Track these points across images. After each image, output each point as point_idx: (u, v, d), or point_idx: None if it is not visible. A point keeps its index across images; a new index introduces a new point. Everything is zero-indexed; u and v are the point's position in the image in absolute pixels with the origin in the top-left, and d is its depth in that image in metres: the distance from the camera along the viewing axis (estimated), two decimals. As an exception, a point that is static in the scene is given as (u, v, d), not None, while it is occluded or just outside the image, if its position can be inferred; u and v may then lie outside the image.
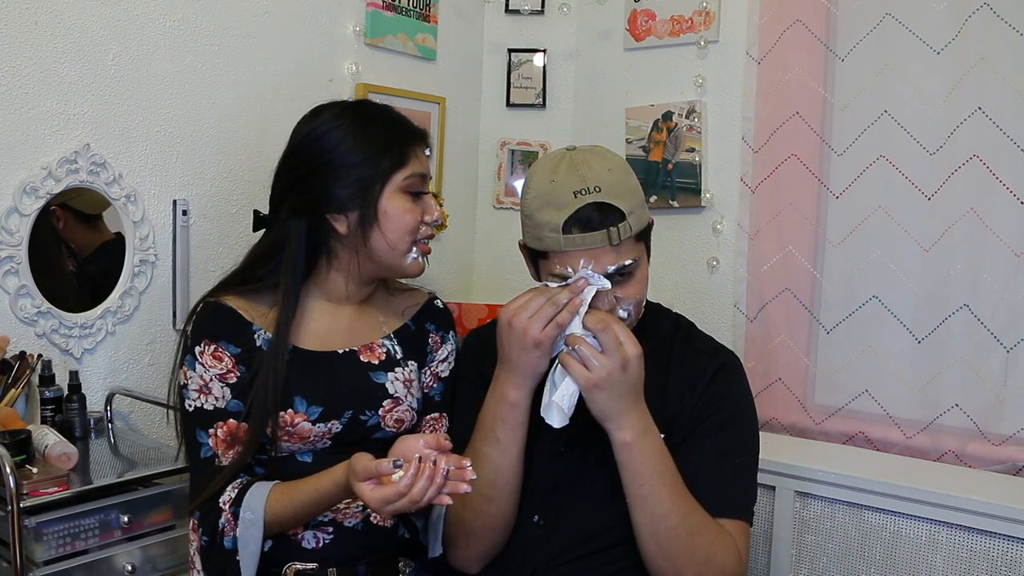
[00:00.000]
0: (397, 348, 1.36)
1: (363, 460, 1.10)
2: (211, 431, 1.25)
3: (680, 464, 1.24)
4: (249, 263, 1.35)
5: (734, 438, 1.30)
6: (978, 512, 1.63)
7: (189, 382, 1.26)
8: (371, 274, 1.32)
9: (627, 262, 1.22)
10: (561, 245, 1.21)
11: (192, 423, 1.26)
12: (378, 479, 1.08)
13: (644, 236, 1.29)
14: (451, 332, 1.44)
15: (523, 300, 1.21)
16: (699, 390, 1.31)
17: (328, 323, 1.33)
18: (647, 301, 1.39)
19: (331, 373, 1.30)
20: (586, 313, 1.19)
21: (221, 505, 1.20)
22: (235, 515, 1.19)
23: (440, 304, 1.46)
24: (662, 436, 1.26)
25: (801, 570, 1.85)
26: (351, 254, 1.29)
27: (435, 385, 1.41)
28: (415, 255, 1.30)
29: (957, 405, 1.91)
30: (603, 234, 1.20)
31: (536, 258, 1.29)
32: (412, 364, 1.37)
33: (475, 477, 1.09)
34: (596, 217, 1.20)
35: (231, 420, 1.26)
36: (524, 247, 1.32)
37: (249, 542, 1.18)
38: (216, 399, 1.26)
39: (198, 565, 1.23)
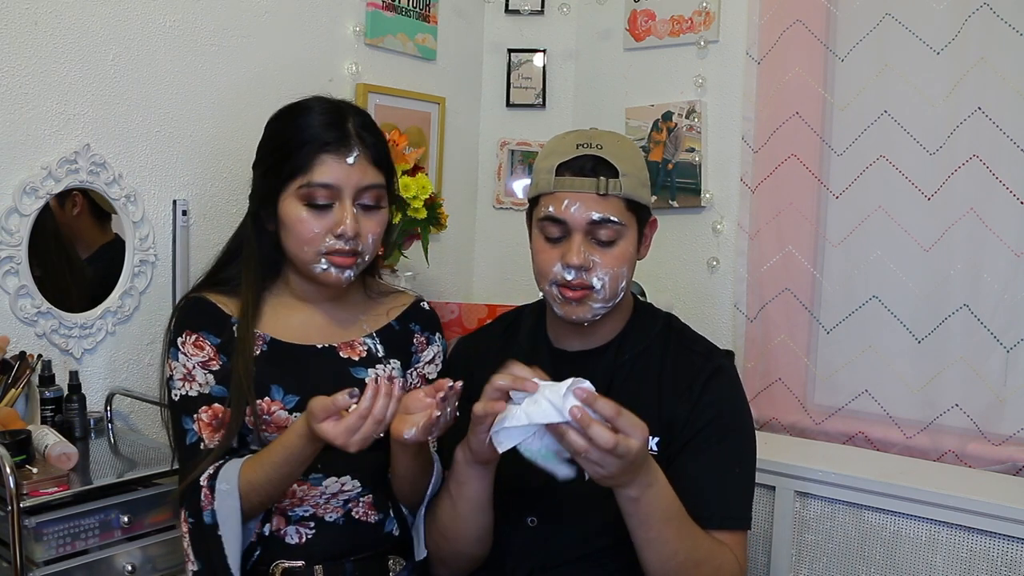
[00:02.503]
0: (379, 347, 1.36)
1: (319, 400, 1.10)
2: (196, 416, 1.26)
3: (679, 474, 1.22)
4: (219, 263, 1.38)
5: (733, 447, 1.28)
6: (978, 512, 1.63)
7: (174, 372, 1.28)
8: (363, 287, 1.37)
9: (612, 217, 1.23)
10: (551, 185, 1.25)
11: (178, 411, 1.27)
12: (338, 415, 1.09)
13: (639, 214, 1.28)
14: (437, 333, 1.44)
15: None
16: (695, 394, 1.29)
17: (303, 319, 1.34)
18: (636, 301, 1.38)
19: (307, 365, 1.31)
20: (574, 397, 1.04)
21: (200, 483, 1.21)
22: (212, 488, 1.20)
23: (426, 307, 1.45)
24: (656, 439, 1.26)
25: (801, 570, 1.85)
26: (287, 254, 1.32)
27: (422, 387, 1.40)
28: (324, 265, 1.26)
29: (957, 405, 1.91)
30: (593, 181, 1.23)
31: (531, 213, 1.32)
32: (395, 362, 1.37)
33: (454, 384, 1.10)
34: (589, 166, 1.24)
35: (216, 404, 1.27)
36: (527, 213, 1.35)
37: (228, 515, 1.19)
38: (200, 384, 1.27)
39: (190, 553, 1.23)
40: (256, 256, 1.32)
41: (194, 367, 1.28)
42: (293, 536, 1.27)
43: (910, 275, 1.98)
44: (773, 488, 1.85)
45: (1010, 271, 1.85)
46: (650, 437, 1.24)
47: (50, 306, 1.63)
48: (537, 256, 1.29)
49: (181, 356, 1.28)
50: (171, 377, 1.29)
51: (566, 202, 1.24)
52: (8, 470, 1.28)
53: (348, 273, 1.28)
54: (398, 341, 1.39)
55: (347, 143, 1.25)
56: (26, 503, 1.31)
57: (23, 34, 1.57)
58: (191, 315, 1.32)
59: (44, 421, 1.57)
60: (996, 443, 1.86)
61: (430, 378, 1.40)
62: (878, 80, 2.01)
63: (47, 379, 1.59)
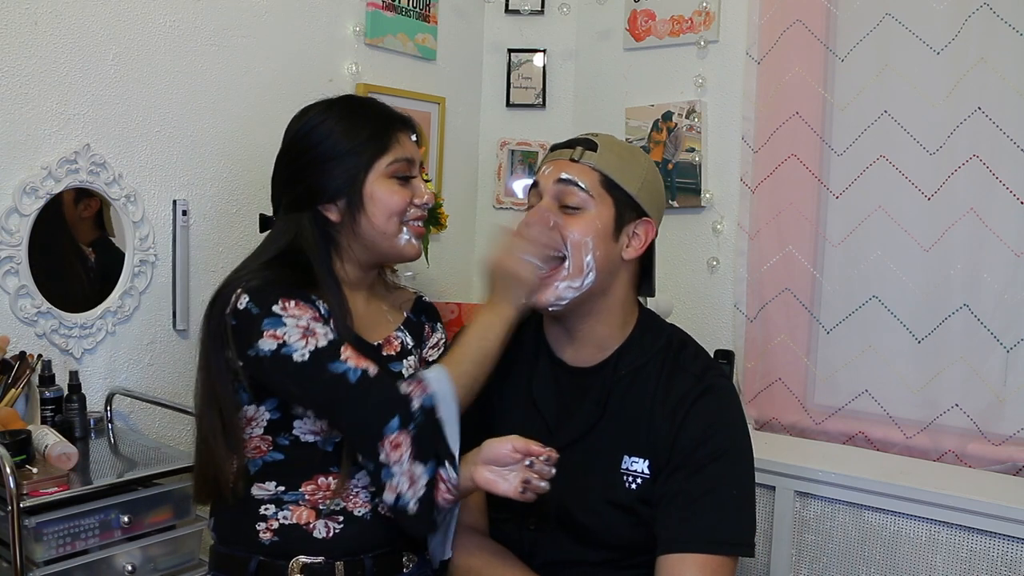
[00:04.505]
0: (409, 339, 1.41)
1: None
2: (342, 356, 1.19)
3: (672, 497, 1.20)
4: (274, 269, 1.28)
5: (726, 470, 1.22)
6: (978, 512, 1.63)
7: (286, 338, 1.18)
8: (369, 260, 1.35)
9: (580, 183, 1.25)
10: (540, 161, 1.34)
11: (318, 366, 1.17)
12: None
13: (618, 197, 1.27)
14: (439, 323, 1.50)
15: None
16: (679, 416, 1.24)
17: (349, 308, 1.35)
18: (641, 313, 1.35)
19: None
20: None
21: (404, 389, 1.19)
22: (420, 379, 1.21)
23: (427, 300, 1.52)
24: (647, 461, 1.24)
25: (801, 570, 1.85)
26: (348, 241, 1.33)
27: (422, 368, 1.42)
28: (407, 236, 1.33)
29: (957, 405, 1.91)
30: (570, 151, 1.29)
31: None
32: (417, 352, 1.42)
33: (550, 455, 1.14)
34: (574, 141, 1.31)
35: (346, 343, 1.22)
36: None
37: (445, 396, 1.20)
38: (325, 334, 1.20)
39: (417, 468, 1.16)
40: (323, 247, 1.31)
41: (308, 323, 1.20)
42: (321, 531, 1.26)
43: (910, 275, 1.98)
44: (773, 488, 1.85)
45: (1010, 271, 1.85)
46: (640, 459, 1.25)
47: (50, 306, 1.63)
48: None
49: (288, 319, 1.19)
50: (283, 344, 1.17)
51: (544, 169, 1.31)
52: (8, 470, 1.28)
53: (420, 244, 1.36)
54: (418, 332, 1.44)
55: (409, 122, 1.36)
56: (26, 503, 1.31)
57: (23, 34, 1.57)
58: (279, 288, 1.23)
59: (44, 421, 1.57)
60: (996, 443, 1.86)
61: (430, 360, 1.42)
62: (878, 80, 2.01)
63: (47, 379, 1.59)
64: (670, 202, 2.33)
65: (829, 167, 2.11)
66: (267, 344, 1.18)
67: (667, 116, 2.35)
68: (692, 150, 2.31)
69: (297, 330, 1.19)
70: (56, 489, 1.36)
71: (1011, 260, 1.85)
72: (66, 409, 1.60)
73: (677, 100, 2.34)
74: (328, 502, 1.26)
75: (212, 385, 1.26)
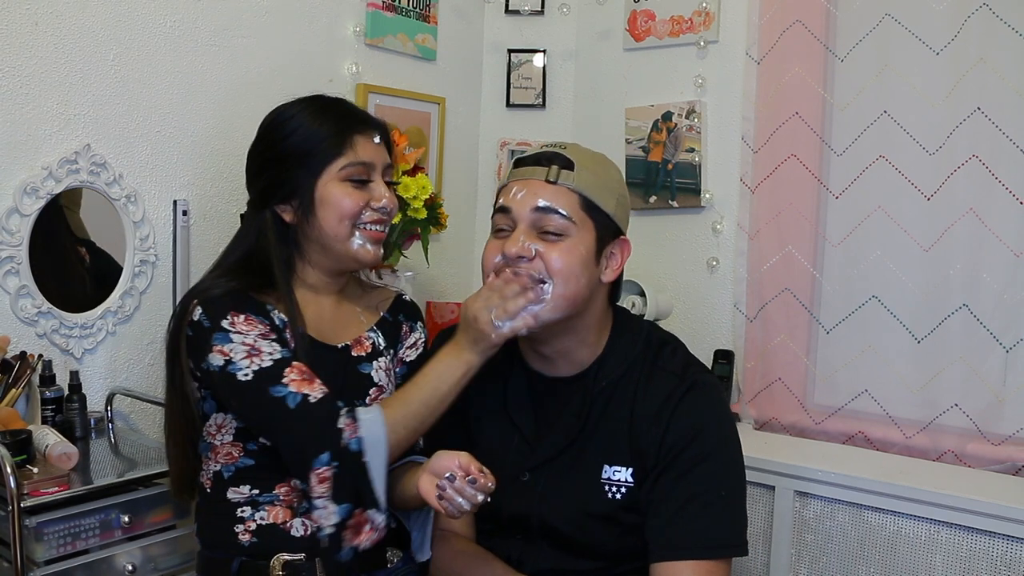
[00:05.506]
0: (381, 340, 1.39)
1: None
2: (284, 379, 1.18)
3: (658, 501, 1.18)
4: (230, 265, 1.32)
5: (714, 470, 1.19)
6: (978, 512, 1.63)
7: (232, 355, 1.19)
8: (328, 265, 1.34)
9: (560, 209, 1.17)
10: (507, 179, 1.24)
11: (259, 387, 1.18)
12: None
13: (598, 219, 1.21)
14: (419, 322, 1.48)
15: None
16: (664, 418, 1.20)
17: (314, 312, 1.34)
18: (616, 317, 1.31)
19: (329, 367, 1.30)
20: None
21: (339, 424, 1.17)
22: (353, 418, 1.18)
23: (407, 299, 1.50)
24: (630, 470, 1.21)
25: (801, 570, 1.85)
26: (305, 243, 1.32)
27: (398, 369, 1.43)
28: (360, 241, 1.30)
29: (956, 405, 1.91)
30: (544, 170, 1.19)
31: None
32: (391, 352, 1.41)
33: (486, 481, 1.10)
34: (545, 157, 1.21)
35: (295, 362, 1.21)
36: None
37: (374, 442, 1.17)
38: (270, 353, 1.21)
39: (329, 506, 1.18)
40: (282, 252, 1.31)
41: (255, 340, 1.21)
42: (299, 529, 1.26)
43: (910, 275, 1.98)
44: (773, 488, 1.85)
45: (1010, 271, 1.85)
46: (623, 467, 1.22)
47: (51, 306, 1.63)
48: (484, 251, 1.26)
49: (235, 336, 1.20)
50: (229, 361, 1.19)
51: (514, 190, 1.21)
52: (9, 470, 1.28)
53: (380, 250, 1.33)
54: (393, 332, 1.42)
55: (372, 124, 1.34)
56: (27, 503, 1.31)
57: (24, 34, 1.57)
58: (229, 301, 1.25)
59: (45, 421, 1.57)
60: (995, 443, 1.86)
61: (407, 360, 1.42)
62: (878, 80, 2.01)
63: (48, 379, 1.59)
64: (670, 202, 2.33)
65: (829, 167, 2.11)
66: (216, 359, 1.21)
67: (667, 116, 2.35)
68: (692, 150, 2.31)
69: (243, 348, 1.20)
70: (56, 489, 1.36)
71: (1011, 260, 1.85)
72: (66, 409, 1.60)
73: (677, 100, 2.34)
74: (302, 502, 1.26)
75: (179, 391, 1.29)
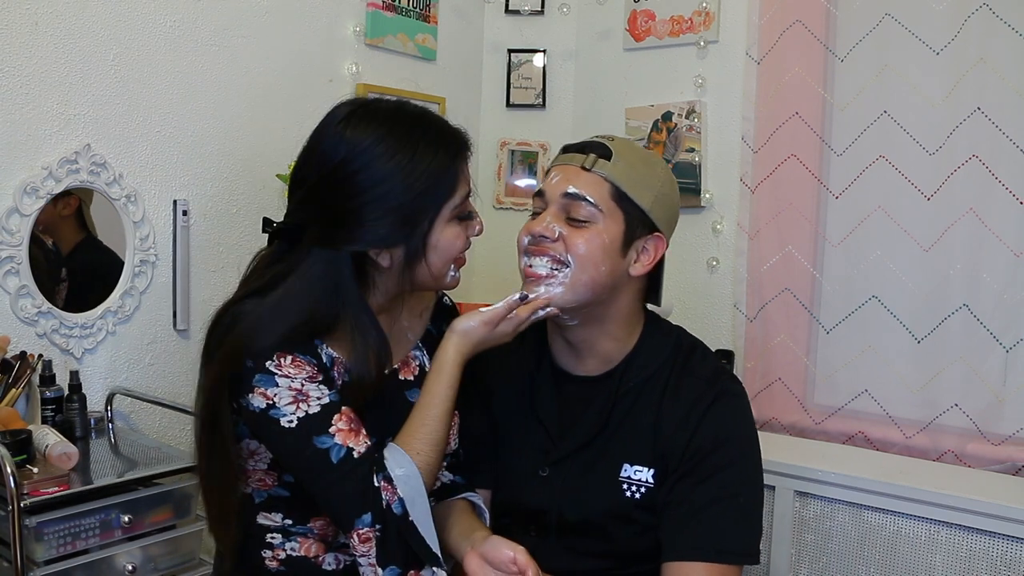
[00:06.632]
0: (426, 360, 1.29)
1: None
2: (331, 428, 1.10)
3: (677, 504, 1.18)
4: (289, 313, 1.13)
5: (735, 477, 1.19)
6: (978, 512, 1.63)
7: (276, 400, 1.09)
8: (400, 291, 1.22)
9: (589, 197, 1.18)
10: (551, 163, 1.27)
11: (304, 436, 1.09)
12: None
13: (629, 212, 1.20)
14: None
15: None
16: (692, 423, 1.20)
17: None
18: (647, 319, 1.31)
19: (381, 401, 1.21)
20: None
21: (376, 484, 1.09)
22: (388, 480, 1.10)
23: (448, 302, 1.40)
24: (652, 471, 1.21)
25: (801, 570, 1.85)
26: (388, 280, 1.18)
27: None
28: (453, 273, 1.21)
29: (956, 405, 1.91)
30: (581, 157, 1.21)
31: None
32: None
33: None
34: (587, 145, 1.23)
35: (343, 407, 1.11)
36: None
37: (415, 497, 1.10)
38: (319, 397, 1.10)
39: (379, 571, 1.10)
40: (358, 295, 1.15)
41: (302, 384, 1.10)
42: (331, 563, 1.21)
43: (910, 275, 1.98)
44: (773, 488, 1.85)
45: (1009, 271, 1.85)
46: (644, 468, 1.22)
47: (51, 306, 1.63)
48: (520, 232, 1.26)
49: (281, 380, 1.09)
50: (272, 405, 1.09)
51: (552, 175, 1.23)
52: (9, 470, 1.28)
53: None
54: (435, 346, 1.28)
55: (468, 143, 1.19)
56: (27, 503, 1.31)
57: (24, 34, 1.57)
58: (281, 337, 1.11)
59: (45, 421, 1.57)
60: (995, 443, 1.86)
61: None
62: (878, 80, 2.01)
63: (48, 379, 1.59)
64: (670, 202, 2.33)
65: (829, 167, 2.11)
66: (257, 401, 1.09)
67: (667, 116, 2.35)
68: (692, 150, 2.31)
69: (289, 393, 1.09)
70: (56, 489, 1.36)
71: (1010, 260, 1.85)
72: (66, 409, 1.60)
73: (677, 100, 2.34)
74: (338, 536, 1.20)
75: (212, 409, 1.14)
